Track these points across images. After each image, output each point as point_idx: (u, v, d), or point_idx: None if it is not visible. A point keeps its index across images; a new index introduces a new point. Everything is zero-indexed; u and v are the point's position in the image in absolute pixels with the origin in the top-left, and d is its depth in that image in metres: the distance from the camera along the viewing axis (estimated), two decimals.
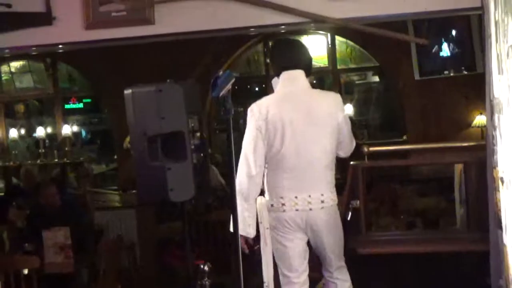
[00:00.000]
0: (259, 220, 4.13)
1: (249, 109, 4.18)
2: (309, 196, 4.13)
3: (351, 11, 4.90)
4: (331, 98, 4.32)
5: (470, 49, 8.97)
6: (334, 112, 4.22)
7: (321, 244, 4.23)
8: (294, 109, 4.14)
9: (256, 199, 4.17)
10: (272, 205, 4.18)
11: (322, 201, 4.14)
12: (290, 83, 4.22)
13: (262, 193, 4.25)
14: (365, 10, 4.89)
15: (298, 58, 4.28)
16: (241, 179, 4.05)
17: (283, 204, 4.15)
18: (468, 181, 5.07)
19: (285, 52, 4.31)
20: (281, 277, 4.25)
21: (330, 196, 4.19)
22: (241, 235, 3.92)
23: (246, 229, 4.08)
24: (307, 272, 4.28)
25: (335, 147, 4.25)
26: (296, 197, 4.13)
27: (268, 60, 10.77)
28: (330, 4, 4.87)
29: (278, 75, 4.27)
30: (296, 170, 4.13)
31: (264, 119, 4.11)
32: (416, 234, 5.85)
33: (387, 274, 5.01)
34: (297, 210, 4.13)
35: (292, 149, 4.12)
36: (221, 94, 3.02)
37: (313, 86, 4.34)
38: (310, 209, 4.13)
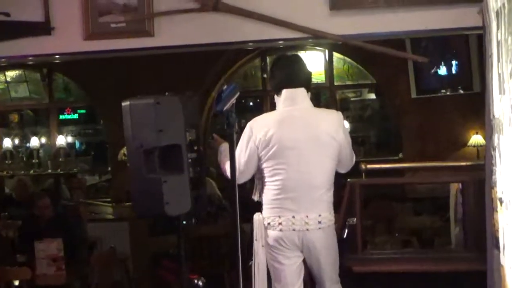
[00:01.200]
0: (255, 237, 4.10)
1: (248, 124, 4.18)
2: (307, 216, 4.10)
3: (350, 28, 4.90)
4: (333, 117, 4.27)
5: (468, 69, 8.97)
6: (336, 132, 4.17)
7: (317, 264, 4.20)
8: (296, 130, 4.10)
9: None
10: (269, 224, 4.14)
11: (320, 222, 4.12)
12: (291, 103, 4.19)
13: (259, 208, 4.21)
14: (365, 27, 4.89)
15: (297, 74, 4.25)
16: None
17: (280, 224, 4.11)
18: (465, 200, 5.05)
19: (284, 69, 4.26)
20: None
21: (327, 217, 4.17)
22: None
23: None
24: None
25: (335, 167, 4.23)
26: (293, 217, 4.09)
27: (265, 75, 10.80)
28: (330, 20, 4.87)
29: (278, 93, 4.24)
30: (297, 192, 4.10)
31: (263, 139, 4.10)
32: (412, 253, 5.81)
33: None
34: (294, 230, 4.09)
35: (293, 171, 4.09)
36: (225, 108, 2.99)
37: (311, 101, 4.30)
38: (307, 229, 4.10)
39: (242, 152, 4.11)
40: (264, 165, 4.16)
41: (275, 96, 4.28)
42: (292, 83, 4.20)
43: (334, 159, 4.18)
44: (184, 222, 3.61)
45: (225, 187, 8.40)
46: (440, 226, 6.86)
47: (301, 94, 4.21)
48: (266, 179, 4.17)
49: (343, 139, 4.21)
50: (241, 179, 4.06)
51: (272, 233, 4.13)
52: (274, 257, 4.17)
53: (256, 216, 4.15)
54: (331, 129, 4.16)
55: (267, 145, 4.08)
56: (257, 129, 4.13)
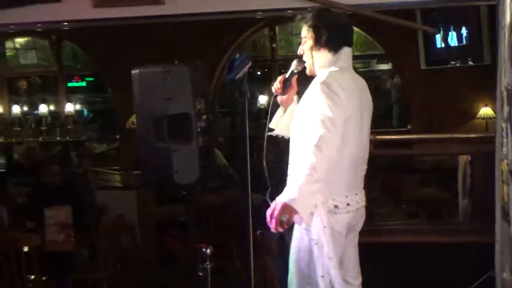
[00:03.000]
0: (323, 225, 3.50)
1: (328, 85, 3.43)
2: (356, 194, 3.65)
3: None
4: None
5: (478, 40, 8.89)
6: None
7: (354, 247, 3.80)
8: (361, 92, 3.66)
9: None
10: (336, 206, 3.55)
11: (362, 199, 3.71)
12: (350, 62, 3.69)
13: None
14: None
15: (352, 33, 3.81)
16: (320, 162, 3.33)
17: (348, 204, 3.58)
18: (474, 173, 5.05)
19: (344, 26, 3.69)
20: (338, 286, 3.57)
21: (364, 194, 3.78)
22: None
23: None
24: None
25: None
26: (356, 194, 3.64)
27: (274, 45, 10.75)
28: None
29: (334, 49, 3.59)
30: (356, 165, 3.64)
31: (347, 108, 3.47)
32: (418, 224, 5.83)
33: (388, 264, 4.99)
34: (356, 209, 3.63)
35: (358, 139, 3.61)
36: (237, 76, 2.97)
37: None
38: (357, 209, 3.64)
39: (336, 133, 3.40)
40: None
41: (321, 52, 3.61)
42: (352, 42, 3.74)
43: None
44: (184, 192, 3.59)
45: (232, 156, 8.42)
46: (448, 198, 6.85)
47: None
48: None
49: None
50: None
51: (338, 217, 3.55)
52: (337, 245, 3.58)
53: (320, 199, 3.47)
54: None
55: (346, 112, 3.48)
56: (344, 96, 3.45)
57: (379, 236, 4.95)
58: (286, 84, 3.69)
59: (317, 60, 3.65)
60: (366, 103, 3.71)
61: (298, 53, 3.72)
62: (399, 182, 7.54)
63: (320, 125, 3.33)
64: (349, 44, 3.69)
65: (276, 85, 3.69)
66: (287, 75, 3.68)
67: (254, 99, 10.52)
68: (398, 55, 10.14)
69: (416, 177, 8.11)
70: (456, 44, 9.22)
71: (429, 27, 6.73)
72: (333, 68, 3.57)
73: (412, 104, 10.20)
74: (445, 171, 7.30)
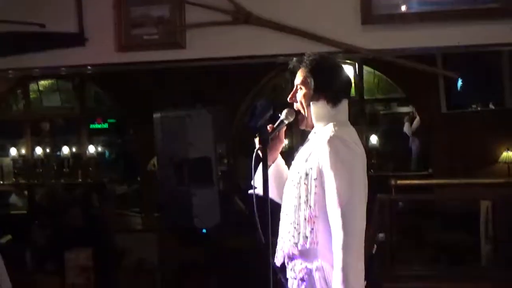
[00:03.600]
0: None
1: (349, 147, 3.12)
2: None
3: (382, 43, 4.88)
4: None
5: (499, 84, 8.90)
6: None
7: None
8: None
9: None
10: None
11: None
12: (347, 116, 3.36)
13: None
14: (396, 42, 4.87)
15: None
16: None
17: None
18: (496, 217, 5.01)
19: (345, 76, 3.39)
20: None
21: None
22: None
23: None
24: None
25: None
26: None
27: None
28: (362, 35, 4.86)
29: (333, 101, 3.25)
30: None
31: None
32: (440, 270, 5.75)
33: None
34: None
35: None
36: (258, 124, 2.95)
37: None
38: None
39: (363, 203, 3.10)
40: None
41: (319, 103, 3.26)
42: (350, 94, 3.47)
43: None
44: (205, 231, 3.58)
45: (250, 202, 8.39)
46: (470, 243, 6.78)
47: None
48: None
49: None
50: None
51: None
52: None
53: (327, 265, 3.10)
54: None
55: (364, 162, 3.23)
56: (359, 149, 3.19)
57: (400, 282, 4.90)
58: (272, 136, 3.20)
59: (315, 111, 3.26)
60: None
61: (288, 100, 3.36)
62: (420, 227, 7.48)
63: (340, 223, 2.96)
64: (349, 97, 3.37)
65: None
66: (275, 125, 3.22)
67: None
68: (419, 99, 10.13)
69: (437, 222, 8.05)
70: (477, 88, 9.23)
71: (450, 71, 6.73)
72: (338, 122, 3.22)
73: (433, 147, 10.16)
74: (467, 215, 7.23)
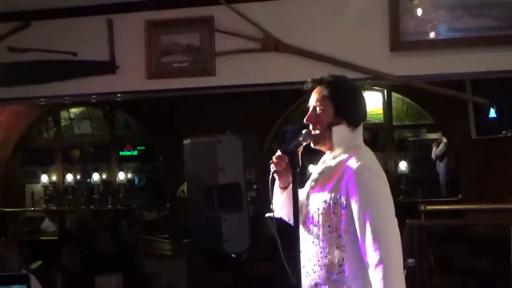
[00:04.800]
0: None
1: (376, 175, 3.10)
2: None
3: (410, 69, 4.90)
4: None
5: None
6: None
7: None
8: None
9: None
10: None
11: None
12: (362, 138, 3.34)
13: None
14: (424, 68, 4.88)
15: None
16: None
17: None
18: None
19: (363, 98, 3.35)
20: None
21: None
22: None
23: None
24: None
25: None
26: None
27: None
28: (390, 61, 4.87)
29: (353, 124, 3.23)
30: None
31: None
32: None
33: None
34: None
35: None
36: (289, 149, 2.97)
37: (368, 141, 3.81)
38: None
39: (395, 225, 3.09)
40: None
41: (341, 126, 3.20)
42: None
43: None
44: (234, 256, 3.58)
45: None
46: (500, 270, 6.72)
47: None
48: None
49: None
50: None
51: None
52: None
53: None
54: None
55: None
56: (387, 183, 3.14)
57: None
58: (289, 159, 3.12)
59: (336, 135, 3.20)
60: None
61: (304, 121, 3.25)
62: (450, 253, 7.43)
63: (379, 254, 2.94)
64: (365, 119, 3.32)
65: (276, 159, 3.18)
66: (291, 146, 3.12)
67: (305, 168, 10.54)
68: (449, 125, 10.09)
69: (467, 248, 7.98)
70: (508, 114, 9.16)
71: (479, 97, 6.70)
72: (357, 147, 3.21)
73: (463, 173, 10.10)
74: (498, 241, 7.17)
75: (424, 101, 9.99)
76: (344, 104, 3.20)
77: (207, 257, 7.34)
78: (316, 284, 3.16)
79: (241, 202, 3.56)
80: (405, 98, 10.60)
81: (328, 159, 3.26)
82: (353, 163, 3.09)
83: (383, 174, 3.14)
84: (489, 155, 9.58)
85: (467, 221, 6.92)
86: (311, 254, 3.14)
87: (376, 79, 5.03)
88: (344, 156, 3.17)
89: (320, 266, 3.12)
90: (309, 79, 3.29)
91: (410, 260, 4.78)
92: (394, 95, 10.58)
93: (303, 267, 3.13)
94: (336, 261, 3.08)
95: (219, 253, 3.60)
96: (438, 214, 6.40)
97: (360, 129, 3.26)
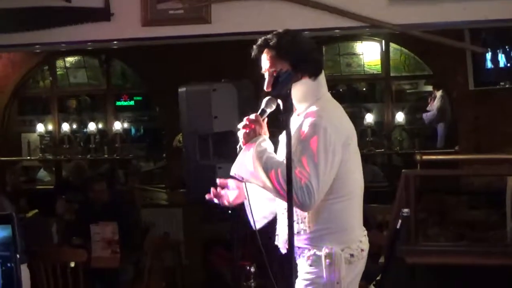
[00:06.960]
0: (335, 280, 3.02)
1: (323, 127, 2.98)
2: (365, 236, 3.21)
3: (409, 17, 4.86)
4: None
5: None
6: None
7: None
8: (350, 124, 3.19)
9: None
10: (351, 255, 3.07)
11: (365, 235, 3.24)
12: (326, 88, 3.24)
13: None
14: (423, 17, 4.84)
15: None
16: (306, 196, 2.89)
17: (362, 250, 3.13)
18: None
19: (315, 47, 3.21)
20: None
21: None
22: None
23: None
24: None
25: None
26: (365, 236, 3.19)
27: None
28: (388, 9, 4.84)
29: (316, 76, 3.14)
30: (361, 198, 3.19)
31: (343, 141, 3.03)
32: (465, 246, 5.74)
33: (434, 285, 4.93)
34: (367, 253, 3.18)
35: (358, 171, 3.17)
36: (282, 92, 2.89)
37: (364, 92, 3.82)
38: (367, 252, 3.20)
39: (326, 168, 2.91)
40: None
41: (302, 81, 3.12)
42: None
43: None
44: (230, 212, 3.57)
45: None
46: (496, 220, 6.75)
47: None
48: (333, 195, 3.04)
49: None
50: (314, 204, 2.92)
51: (354, 266, 3.09)
52: None
53: (338, 251, 3.01)
54: None
55: (344, 150, 3.03)
56: (337, 135, 3.00)
57: (425, 257, 4.89)
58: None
59: (299, 91, 3.10)
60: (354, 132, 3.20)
61: (265, 89, 3.21)
62: (445, 204, 7.45)
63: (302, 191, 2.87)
64: (323, 66, 3.23)
65: (250, 123, 3.12)
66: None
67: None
68: (446, 76, 10.04)
69: (463, 199, 8.01)
70: (506, 65, 9.10)
71: (477, 46, 6.65)
72: (318, 102, 3.11)
73: (460, 125, 10.08)
74: (493, 193, 7.19)
75: (423, 52, 9.91)
76: (296, 57, 3.10)
77: (203, 207, 7.36)
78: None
79: (236, 151, 3.54)
80: (403, 48, 10.51)
81: (293, 119, 3.16)
82: (310, 114, 3.05)
83: (334, 127, 3.00)
84: (487, 106, 9.56)
85: (463, 172, 6.91)
86: (285, 223, 3.00)
87: (374, 28, 4.99)
88: (307, 110, 3.10)
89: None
90: (253, 47, 3.21)
91: (405, 210, 4.76)
92: (392, 45, 10.49)
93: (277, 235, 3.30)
94: (300, 221, 3.07)
95: (214, 204, 3.59)
96: (434, 165, 6.39)
97: (322, 78, 3.17)
